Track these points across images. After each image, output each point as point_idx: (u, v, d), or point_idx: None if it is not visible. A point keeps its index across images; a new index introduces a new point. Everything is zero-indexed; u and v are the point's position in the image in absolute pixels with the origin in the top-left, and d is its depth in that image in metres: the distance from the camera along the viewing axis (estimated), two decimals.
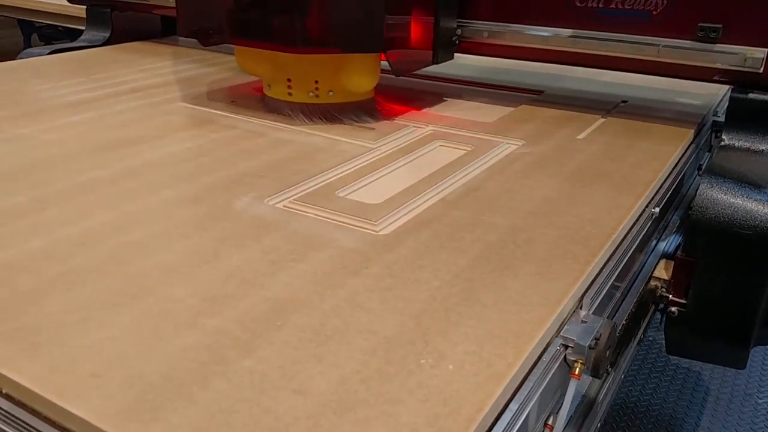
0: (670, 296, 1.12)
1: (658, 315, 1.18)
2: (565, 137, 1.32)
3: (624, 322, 1.00)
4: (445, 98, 1.60)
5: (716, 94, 1.62)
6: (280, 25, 1.29)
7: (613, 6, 1.37)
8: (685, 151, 1.30)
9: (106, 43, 2.13)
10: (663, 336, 1.18)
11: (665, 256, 1.18)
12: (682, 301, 1.11)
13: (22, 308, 0.72)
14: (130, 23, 2.17)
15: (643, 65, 1.37)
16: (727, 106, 1.31)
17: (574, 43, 1.42)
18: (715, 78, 1.31)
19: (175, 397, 0.59)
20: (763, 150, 1.25)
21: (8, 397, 0.62)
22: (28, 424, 0.61)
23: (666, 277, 1.13)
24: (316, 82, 1.36)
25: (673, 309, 1.12)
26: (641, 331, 1.14)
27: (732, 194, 1.05)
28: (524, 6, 1.46)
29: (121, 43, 2.13)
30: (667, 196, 1.16)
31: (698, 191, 1.06)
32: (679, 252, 1.10)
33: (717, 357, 1.21)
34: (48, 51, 1.98)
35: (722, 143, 1.27)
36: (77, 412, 0.57)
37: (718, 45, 1.28)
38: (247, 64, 1.45)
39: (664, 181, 1.17)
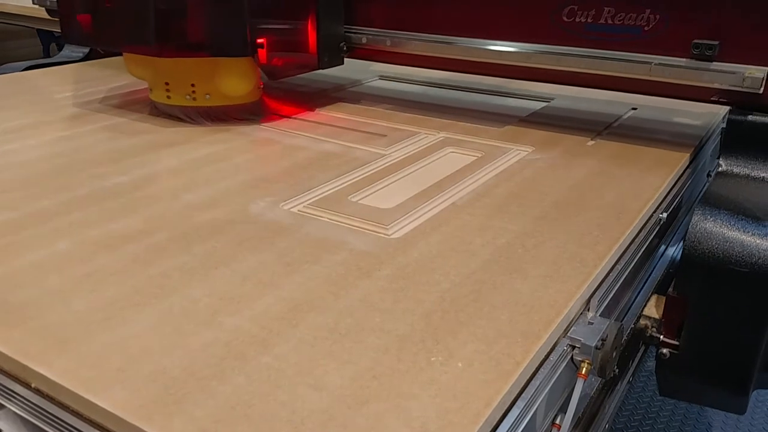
0: (661, 337, 1.03)
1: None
2: (574, 143, 1.34)
3: (632, 324, 1.01)
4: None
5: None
6: (149, 29, 1.32)
7: (602, 21, 1.28)
8: (694, 158, 1.32)
9: (86, 58, 2.12)
10: None
11: (657, 291, 1.10)
12: (675, 342, 1.01)
13: (51, 307, 0.75)
14: None
15: (635, 85, 1.29)
16: (725, 130, 1.22)
17: (558, 61, 1.33)
18: (712, 99, 1.23)
19: (195, 391, 0.62)
20: (763, 177, 1.15)
21: (38, 391, 0.65)
22: (57, 417, 0.64)
23: (657, 316, 1.03)
24: (193, 85, 1.41)
25: (665, 351, 1.02)
26: (629, 375, 1.08)
27: (728, 227, 0.95)
28: (502, 21, 1.39)
29: (102, 59, 2.10)
30: (676, 201, 1.18)
31: (691, 223, 0.97)
32: (671, 289, 1.01)
33: (714, 402, 1.10)
34: (23, 67, 1.97)
35: (719, 169, 1.18)
36: (104, 404, 0.60)
37: (714, 63, 1.18)
38: (133, 68, 1.49)
39: (673, 186, 1.18)
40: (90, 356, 0.66)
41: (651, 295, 1.07)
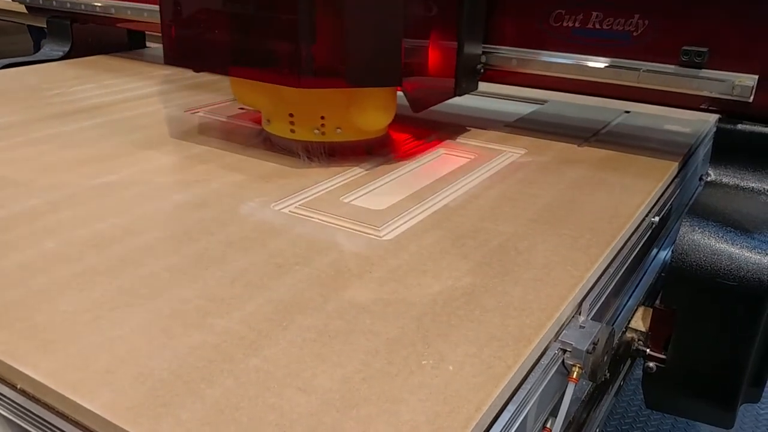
0: (648, 350, 1.01)
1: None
2: (567, 146, 1.34)
3: (623, 328, 1.01)
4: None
5: None
6: (281, 56, 1.12)
7: (590, 26, 1.25)
8: (686, 162, 1.32)
9: (67, 56, 2.01)
10: None
11: (646, 299, 1.09)
12: (661, 356, 0.99)
13: (37, 307, 0.74)
14: (93, 36, 2.06)
15: (623, 92, 1.26)
16: (714, 138, 1.20)
17: (547, 67, 1.30)
18: (702, 106, 1.19)
19: (183, 394, 0.61)
20: (752, 188, 1.12)
21: (23, 392, 0.64)
22: (42, 419, 0.63)
23: (643, 329, 1.02)
24: (323, 117, 1.21)
25: (651, 364, 1.00)
26: (616, 388, 1.06)
27: (716, 238, 0.93)
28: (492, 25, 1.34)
29: (83, 57, 2.03)
30: (668, 205, 1.18)
31: (679, 234, 0.95)
32: (658, 301, 0.99)
33: (701, 416, 1.08)
34: (1, 65, 1.88)
35: (708, 179, 1.15)
36: (90, 406, 0.59)
37: (703, 71, 1.16)
38: (245, 95, 1.29)
39: (665, 190, 1.18)
40: (77, 357, 0.66)
41: (638, 308, 1.05)
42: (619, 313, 1.01)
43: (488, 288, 0.81)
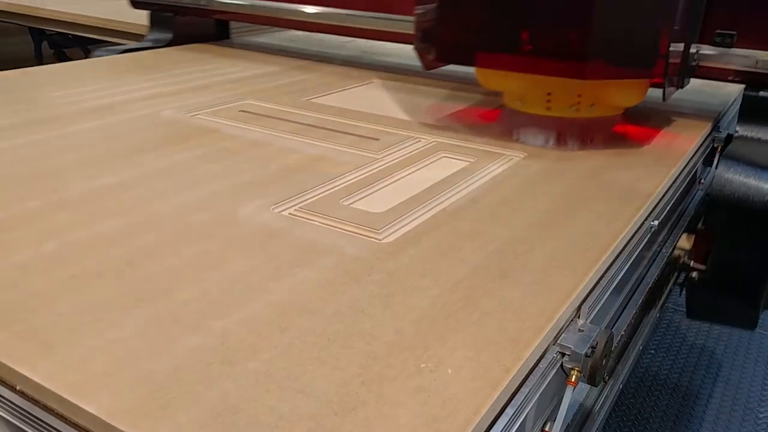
0: (692, 263, 1.32)
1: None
2: (566, 150, 1.34)
3: (623, 331, 1.01)
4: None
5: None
6: (567, 50, 1.25)
7: None
8: (686, 165, 1.32)
9: (169, 45, 2.27)
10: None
11: (687, 230, 1.35)
12: (702, 267, 1.30)
13: (36, 309, 0.74)
14: (188, 27, 2.33)
15: None
16: (741, 103, 1.49)
17: None
18: (730, 78, 1.48)
19: (181, 396, 0.61)
20: None
21: (22, 394, 0.64)
22: (41, 421, 0.63)
23: (688, 247, 1.32)
24: (579, 95, 1.34)
25: (694, 274, 1.31)
26: (664, 297, 1.32)
27: (745, 175, 1.24)
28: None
29: (182, 45, 2.27)
30: (667, 208, 1.18)
31: (716, 173, 1.26)
32: (700, 224, 1.30)
33: (731, 318, 1.39)
34: (120, 51, 2.18)
35: (737, 134, 1.45)
36: (89, 408, 0.59)
37: (733, 49, 1.45)
38: (493, 80, 1.42)
39: (665, 194, 1.18)
40: (76, 359, 0.66)
41: (681, 234, 1.33)
42: (618, 317, 1.01)
43: (487, 291, 0.81)
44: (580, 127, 1.36)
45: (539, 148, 1.34)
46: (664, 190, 1.18)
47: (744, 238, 1.24)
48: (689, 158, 1.35)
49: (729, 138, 1.47)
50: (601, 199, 1.10)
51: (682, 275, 1.37)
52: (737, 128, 1.44)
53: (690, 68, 1.48)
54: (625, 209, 1.06)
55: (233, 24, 2.45)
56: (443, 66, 1.53)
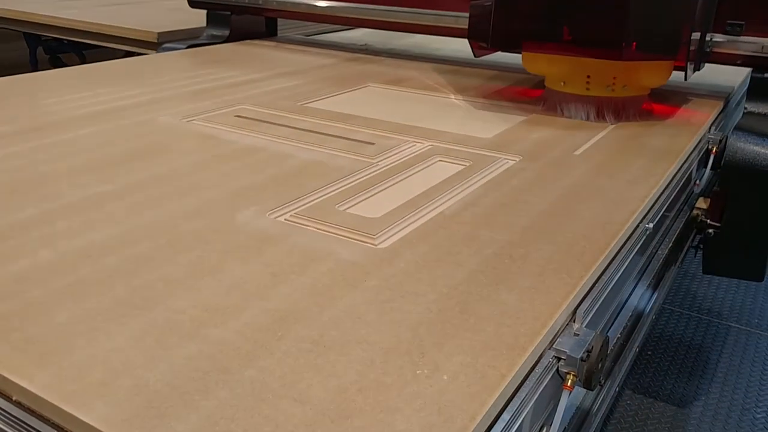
0: (708, 221, 1.51)
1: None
2: (562, 153, 1.34)
3: (618, 335, 1.02)
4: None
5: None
6: (611, 36, 1.48)
7: None
8: (680, 168, 1.33)
9: (226, 41, 2.45)
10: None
11: (703, 194, 1.57)
12: (717, 224, 1.49)
13: (33, 319, 0.74)
14: (241, 24, 2.51)
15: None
16: (749, 84, 1.70)
17: None
18: (739, 62, 1.69)
19: (178, 405, 0.61)
20: None
21: (18, 404, 0.64)
22: (38, 431, 0.63)
23: (705, 207, 1.52)
24: (614, 78, 1.53)
25: (710, 231, 1.50)
26: (683, 253, 1.53)
27: (754, 143, 1.44)
28: None
29: (237, 42, 2.45)
30: (662, 211, 1.19)
31: (728, 142, 1.45)
32: (716, 187, 1.49)
33: (742, 271, 1.59)
34: (185, 46, 2.37)
35: (746, 110, 1.67)
36: (85, 418, 0.59)
37: (741, 37, 1.66)
38: (540, 64, 1.62)
39: (659, 197, 1.19)
40: (72, 369, 0.66)
41: (699, 197, 1.55)
42: (614, 320, 1.02)
43: (483, 296, 0.81)
44: (615, 104, 1.57)
45: (533, 152, 1.35)
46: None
47: (753, 198, 1.43)
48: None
49: (723, 140, 1.60)
50: (596, 202, 1.10)
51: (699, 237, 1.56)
52: (746, 105, 1.66)
53: (705, 53, 1.69)
54: (621, 212, 1.06)
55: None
56: (491, 53, 1.79)
